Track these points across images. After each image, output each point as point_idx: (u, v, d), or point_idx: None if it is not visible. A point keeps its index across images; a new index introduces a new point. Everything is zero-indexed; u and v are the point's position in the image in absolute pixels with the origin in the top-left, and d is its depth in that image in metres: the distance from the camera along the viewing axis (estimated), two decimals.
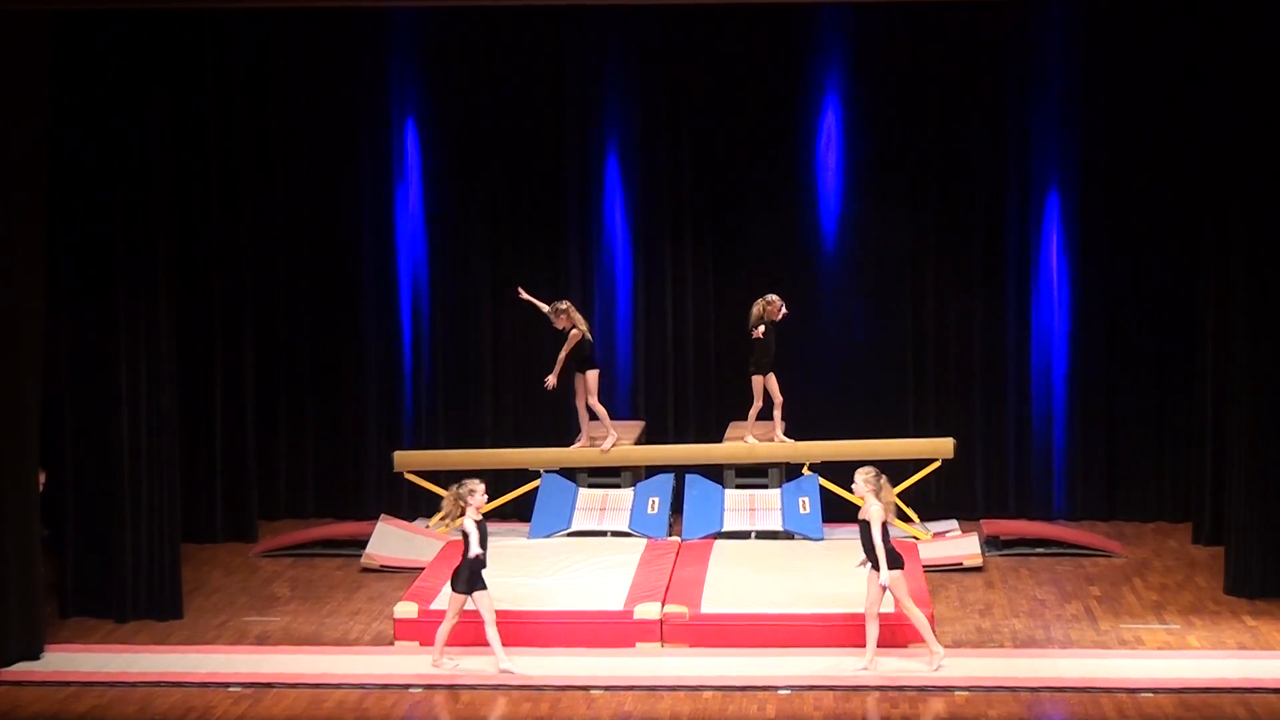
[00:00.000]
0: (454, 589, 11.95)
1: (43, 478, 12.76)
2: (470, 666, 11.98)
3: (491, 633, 11.88)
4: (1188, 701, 11.25)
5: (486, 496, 12.18)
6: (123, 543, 13.12)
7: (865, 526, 11.78)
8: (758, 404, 15.34)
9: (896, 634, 12.19)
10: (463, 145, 16.45)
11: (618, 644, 12.37)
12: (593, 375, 15.31)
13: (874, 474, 11.87)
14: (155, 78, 13.13)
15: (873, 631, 11.79)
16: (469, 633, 12.30)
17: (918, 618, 11.80)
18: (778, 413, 15.38)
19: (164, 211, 13.24)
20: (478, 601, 11.91)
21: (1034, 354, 16.26)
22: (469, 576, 11.90)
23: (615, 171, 16.50)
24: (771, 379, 15.26)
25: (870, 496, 11.79)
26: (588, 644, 12.37)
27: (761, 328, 15.13)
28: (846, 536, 14.86)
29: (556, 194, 16.55)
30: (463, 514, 11.97)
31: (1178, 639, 12.64)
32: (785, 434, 15.45)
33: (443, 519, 12.20)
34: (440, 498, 15.43)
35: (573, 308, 15.18)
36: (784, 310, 15.29)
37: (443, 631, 11.98)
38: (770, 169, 16.38)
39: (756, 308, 15.20)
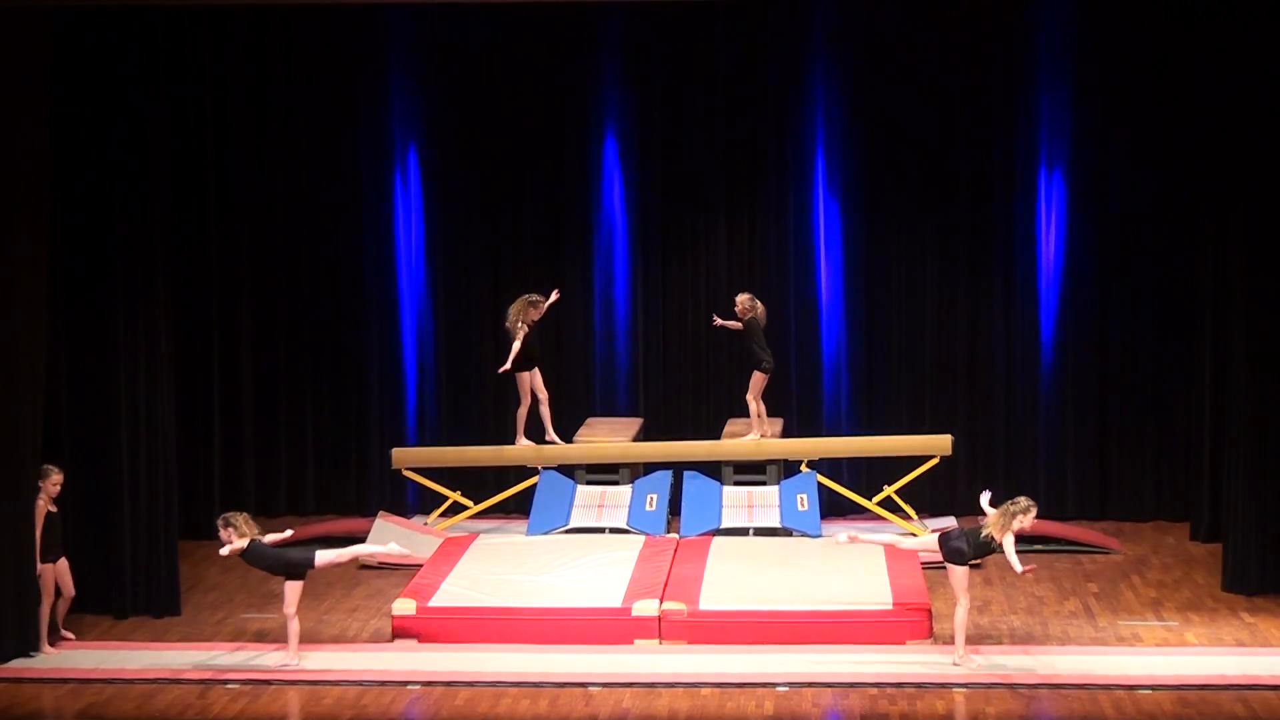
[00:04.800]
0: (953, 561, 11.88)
1: (58, 477, 12.61)
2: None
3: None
4: (1186, 698, 11.26)
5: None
6: (121, 539, 13.11)
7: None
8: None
9: (893, 631, 12.24)
10: (462, 144, 16.43)
11: (616, 641, 12.36)
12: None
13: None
14: (155, 77, 13.11)
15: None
16: (468, 630, 12.35)
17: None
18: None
19: (163, 210, 13.22)
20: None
21: (1031, 350, 16.24)
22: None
23: (615, 168, 16.49)
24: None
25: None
26: (586, 641, 12.36)
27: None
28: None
29: (556, 191, 16.54)
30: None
31: (1176, 636, 12.64)
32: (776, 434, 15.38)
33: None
34: (439, 494, 15.61)
35: (529, 307, 14.87)
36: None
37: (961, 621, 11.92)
38: (769, 165, 16.37)
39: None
